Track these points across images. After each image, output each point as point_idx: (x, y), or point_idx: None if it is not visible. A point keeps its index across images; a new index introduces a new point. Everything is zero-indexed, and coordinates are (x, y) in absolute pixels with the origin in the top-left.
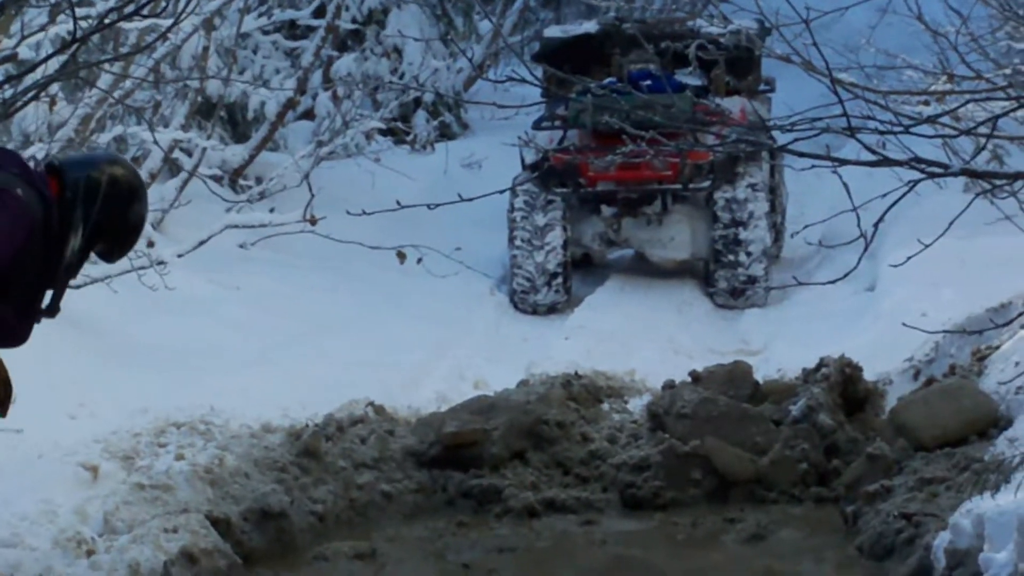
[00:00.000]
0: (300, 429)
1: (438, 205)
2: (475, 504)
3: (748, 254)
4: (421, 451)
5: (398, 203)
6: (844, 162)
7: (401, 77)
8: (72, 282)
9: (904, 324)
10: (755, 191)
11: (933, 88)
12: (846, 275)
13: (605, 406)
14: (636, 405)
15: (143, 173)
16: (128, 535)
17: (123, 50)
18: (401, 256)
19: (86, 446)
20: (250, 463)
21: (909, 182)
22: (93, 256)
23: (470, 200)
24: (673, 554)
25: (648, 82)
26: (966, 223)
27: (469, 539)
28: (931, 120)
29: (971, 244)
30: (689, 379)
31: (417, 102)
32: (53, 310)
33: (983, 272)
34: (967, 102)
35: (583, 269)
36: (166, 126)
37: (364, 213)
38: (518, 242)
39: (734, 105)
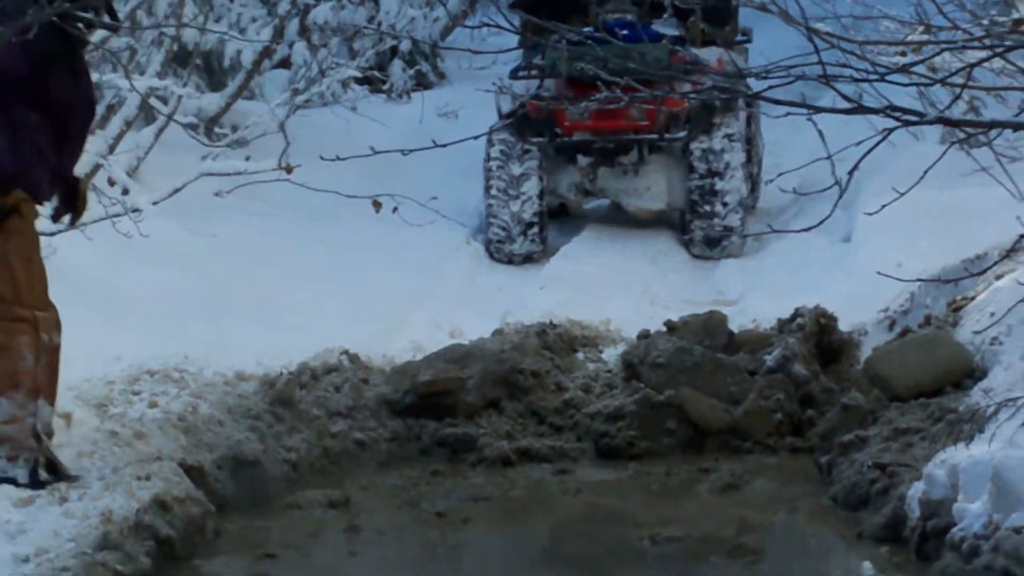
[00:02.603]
0: (274, 377)
1: (412, 151)
2: (449, 453)
3: (724, 204)
4: (395, 400)
5: (372, 149)
6: (819, 110)
7: (378, 26)
8: (45, 229)
9: (879, 273)
10: (731, 141)
11: (909, 38)
12: (821, 222)
13: (580, 355)
14: (611, 355)
15: (118, 120)
16: (101, 483)
17: None
18: (376, 205)
19: (59, 394)
20: (224, 411)
21: (884, 130)
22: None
23: (444, 146)
24: (647, 503)
25: (625, 31)
26: (942, 175)
27: (443, 488)
28: (906, 69)
29: (947, 195)
30: (664, 329)
31: (394, 51)
32: None
33: (959, 223)
34: (942, 51)
35: (559, 219)
36: (142, 74)
37: (338, 159)
38: (494, 192)
39: (711, 55)
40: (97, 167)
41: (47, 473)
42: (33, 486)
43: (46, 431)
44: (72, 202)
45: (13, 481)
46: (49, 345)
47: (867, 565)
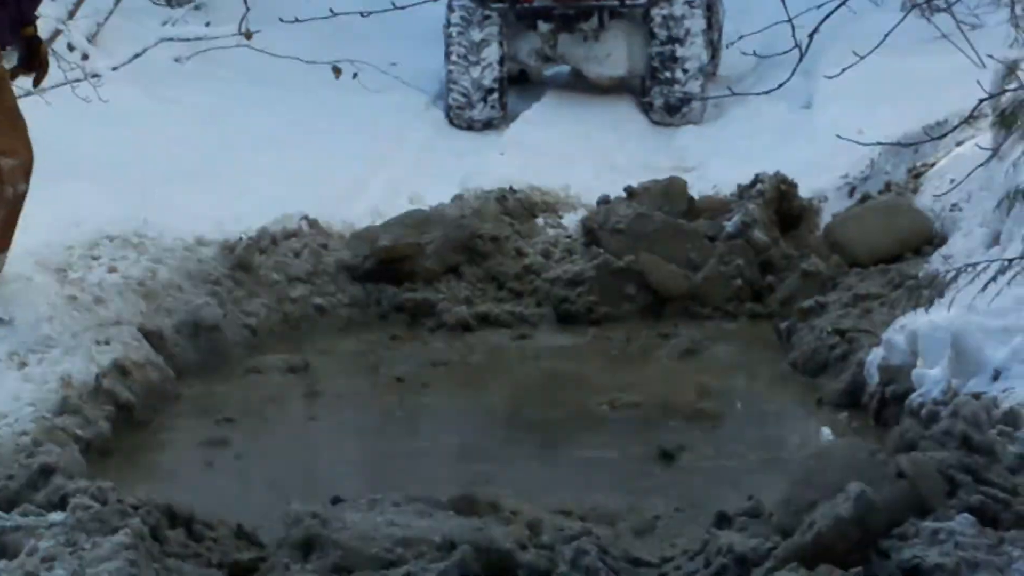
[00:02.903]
0: (234, 242)
1: (372, 13)
2: (409, 318)
3: (684, 71)
4: (355, 265)
5: (331, 11)
6: None
7: None
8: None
9: (839, 138)
10: (692, 8)
11: None
12: (780, 86)
13: (540, 221)
14: (571, 220)
15: None
16: (60, 347)
17: None
18: (336, 71)
19: (18, 259)
20: (183, 276)
21: None
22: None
23: (403, 8)
24: (606, 368)
25: None
26: (903, 42)
27: (402, 353)
28: None
29: (908, 62)
30: (624, 195)
31: None
32: None
33: (919, 90)
34: None
35: (519, 85)
36: None
37: (297, 20)
38: (454, 57)
39: None
40: (57, 32)
41: None
42: None
43: None
44: (32, 62)
45: None
46: (13, 194)
47: (826, 431)
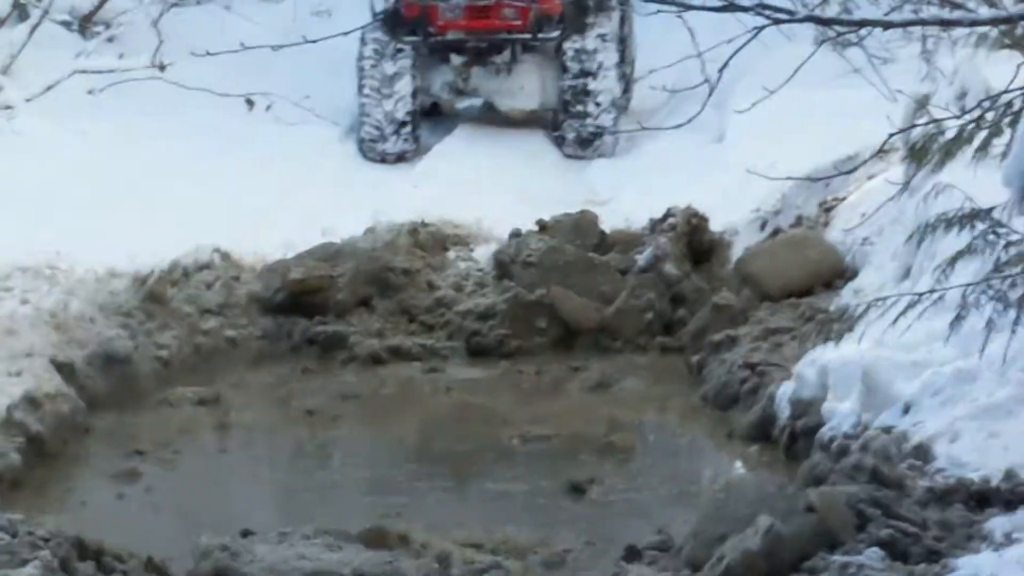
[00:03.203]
0: (145, 274)
1: (283, 47)
2: (320, 351)
3: (597, 104)
4: (267, 297)
5: (242, 44)
6: (688, 7)
7: None
8: None
9: (750, 172)
10: (604, 41)
11: None
12: (690, 120)
13: (451, 254)
14: (482, 253)
15: None
16: None
17: None
18: (250, 103)
19: None
20: (95, 308)
21: (755, 28)
22: None
23: (315, 42)
24: (518, 401)
25: None
26: (815, 75)
27: (314, 385)
28: None
29: (820, 96)
30: (536, 228)
31: None
32: None
33: (831, 123)
34: None
35: (432, 118)
36: None
37: (208, 54)
38: (367, 91)
39: None
40: None
41: None
42: None
43: None
44: None
45: None
46: None
47: (736, 464)
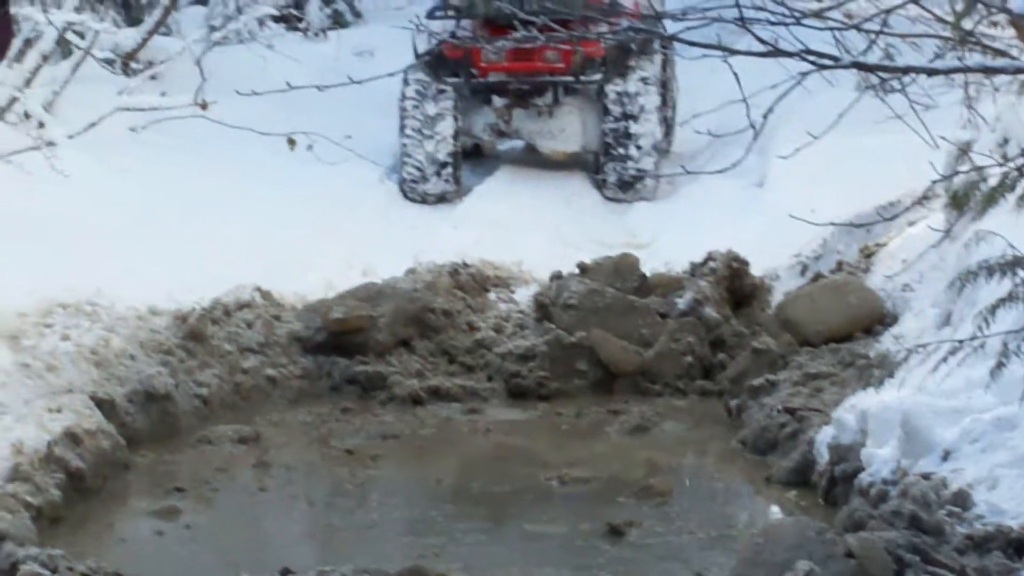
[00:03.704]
0: (186, 312)
1: (328, 87)
2: (360, 390)
3: (638, 147)
4: (307, 337)
5: (288, 84)
6: (734, 52)
7: None
8: None
9: (792, 217)
10: (647, 84)
11: None
12: (734, 165)
13: (492, 295)
14: (523, 295)
15: (35, 54)
16: (12, 415)
17: None
18: (291, 143)
19: None
20: (136, 345)
21: (800, 74)
22: None
23: (359, 83)
24: (556, 444)
25: None
26: (857, 121)
27: (353, 425)
28: (821, 14)
29: (861, 142)
30: (576, 270)
31: None
32: None
33: (872, 169)
34: None
35: (473, 159)
36: (59, 8)
37: (254, 93)
38: (409, 131)
39: None
40: (13, 100)
41: None
42: None
43: None
44: None
45: None
46: None
47: (775, 508)
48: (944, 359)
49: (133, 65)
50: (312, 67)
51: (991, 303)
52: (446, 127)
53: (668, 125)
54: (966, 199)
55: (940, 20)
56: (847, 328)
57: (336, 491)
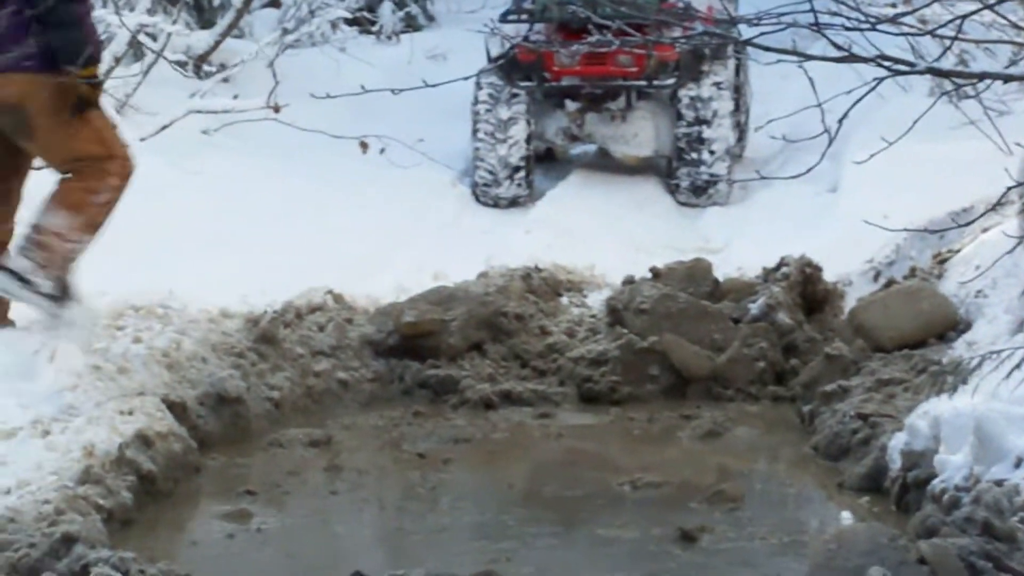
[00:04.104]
0: (258, 315)
1: (402, 91)
2: (432, 394)
3: (711, 152)
4: (379, 340)
5: (362, 87)
6: (809, 57)
7: None
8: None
9: (865, 223)
10: (720, 89)
11: None
12: (809, 170)
13: (564, 300)
14: (595, 300)
15: (107, 56)
16: (84, 417)
17: None
18: (364, 146)
19: (43, 327)
20: (207, 348)
21: (875, 79)
22: None
23: (433, 87)
24: (628, 449)
25: None
26: (930, 128)
27: (425, 429)
28: (896, 19)
29: (935, 148)
30: (649, 275)
31: None
32: None
33: (946, 175)
34: (933, 2)
35: (545, 163)
36: (132, 10)
37: (328, 96)
38: (481, 135)
39: (701, 2)
40: None
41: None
42: (50, 298)
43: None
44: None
45: (34, 287)
46: (117, 186)
47: (847, 514)
48: (1017, 365)
49: (205, 67)
50: (385, 70)
51: None
52: (519, 131)
53: (741, 130)
54: None
55: (1015, 26)
56: (920, 334)
57: (407, 495)
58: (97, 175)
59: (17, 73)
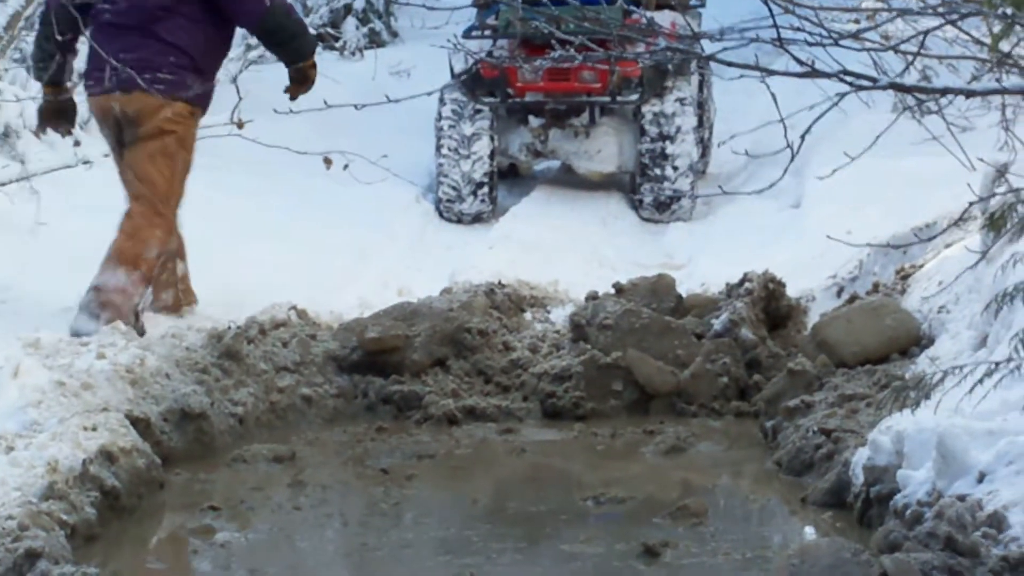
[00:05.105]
0: (222, 331)
1: (365, 106)
2: (395, 410)
3: (675, 168)
4: (342, 356)
5: (326, 103)
6: (771, 72)
7: None
8: None
9: (829, 238)
10: (683, 105)
11: (864, 4)
12: (771, 185)
13: (528, 315)
14: (559, 315)
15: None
16: (47, 432)
17: None
18: (327, 162)
19: (7, 343)
20: (171, 363)
21: (837, 95)
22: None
23: (396, 102)
24: (592, 464)
25: None
26: (893, 143)
27: (388, 445)
28: (859, 35)
29: (897, 164)
30: (612, 291)
31: (347, 8)
32: None
33: (909, 191)
34: (895, 17)
35: (509, 179)
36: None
37: (292, 112)
38: (445, 151)
39: (664, 19)
40: None
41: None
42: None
43: (140, 312)
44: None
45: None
46: (170, 248)
47: (810, 530)
48: (980, 381)
49: None
50: (349, 86)
51: None
52: (482, 147)
53: (704, 146)
54: (1003, 221)
55: (977, 42)
56: (883, 349)
57: (371, 511)
58: (148, 223)
59: (144, 93)
